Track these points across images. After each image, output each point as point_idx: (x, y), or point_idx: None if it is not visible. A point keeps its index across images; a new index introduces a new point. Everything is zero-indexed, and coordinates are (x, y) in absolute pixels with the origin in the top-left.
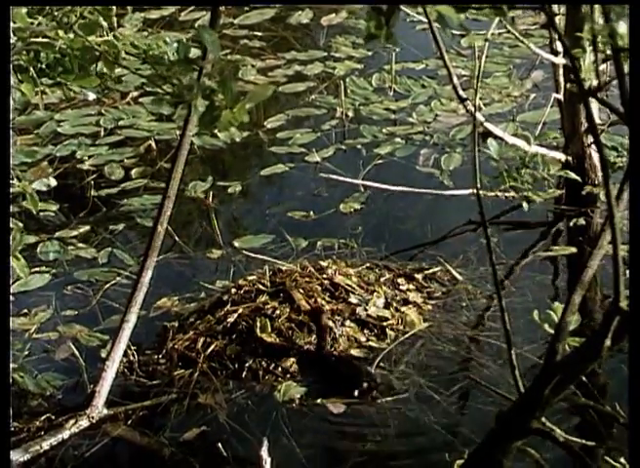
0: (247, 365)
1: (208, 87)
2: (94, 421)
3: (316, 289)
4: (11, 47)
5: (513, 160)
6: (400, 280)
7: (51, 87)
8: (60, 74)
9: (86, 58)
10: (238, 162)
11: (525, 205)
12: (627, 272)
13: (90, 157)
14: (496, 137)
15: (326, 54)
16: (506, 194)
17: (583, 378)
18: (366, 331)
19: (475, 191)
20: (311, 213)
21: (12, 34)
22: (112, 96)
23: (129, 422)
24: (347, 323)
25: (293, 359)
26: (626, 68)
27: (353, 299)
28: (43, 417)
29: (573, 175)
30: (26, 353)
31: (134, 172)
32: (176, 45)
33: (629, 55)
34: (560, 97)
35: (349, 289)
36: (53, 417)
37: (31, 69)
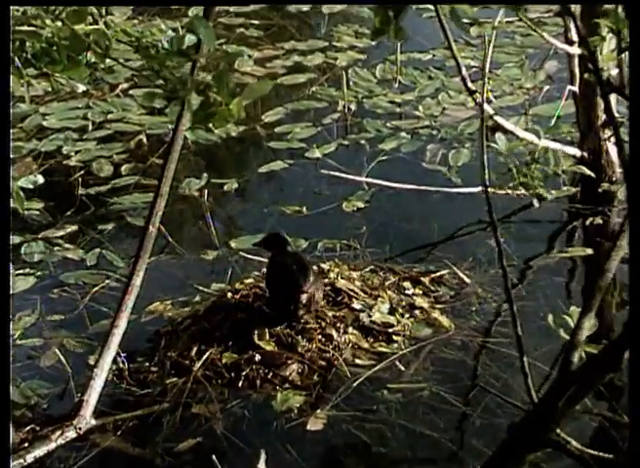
0: (244, 373)
1: (202, 82)
2: (81, 432)
3: None
4: None
5: (524, 155)
6: (406, 284)
7: (36, 78)
8: (46, 64)
9: (75, 48)
10: (234, 158)
11: (535, 202)
12: None
13: (77, 152)
14: (506, 132)
15: (327, 43)
16: (517, 192)
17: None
18: (370, 339)
19: (484, 189)
20: (304, 208)
21: None
22: (101, 87)
23: (119, 433)
24: (350, 330)
25: (292, 367)
26: None
27: (356, 305)
28: (27, 428)
29: (587, 171)
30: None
31: (124, 168)
32: (170, 32)
33: (629, 54)
34: (575, 89)
35: (352, 294)
36: (38, 428)
37: (17, 59)
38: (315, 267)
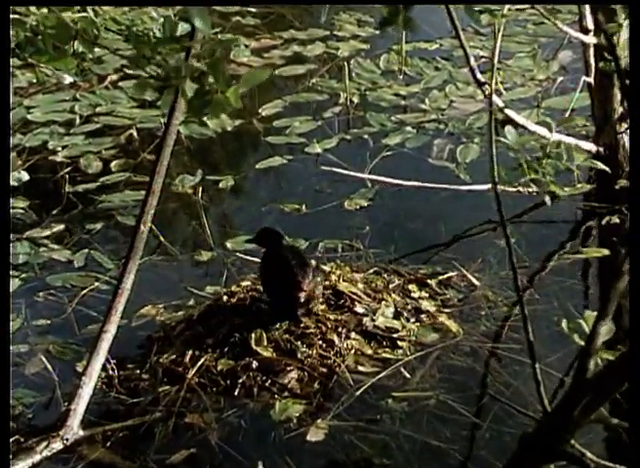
0: (240, 380)
1: (197, 69)
2: (68, 444)
3: None
4: None
5: (536, 150)
6: (411, 286)
7: (20, 68)
8: (31, 54)
9: (61, 37)
10: (230, 153)
11: (547, 199)
12: None
13: (64, 148)
14: (517, 126)
15: (328, 32)
16: (529, 189)
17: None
18: (373, 344)
19: (493, 186)
20: (304, 207)
21: None
22: (89, 79)
23: (108, 444)
24: (353, 335)
25: (291, 374)
26: None
27: (359, 309)
28: (11, 439)
29: (601, 166)
30: None
31: (113, 164)
32: (162, 20)
33: (629, 54)
34: (591, 80)
35: (355, 297)
36: (22, 439)
37: None
38: (313, 261)
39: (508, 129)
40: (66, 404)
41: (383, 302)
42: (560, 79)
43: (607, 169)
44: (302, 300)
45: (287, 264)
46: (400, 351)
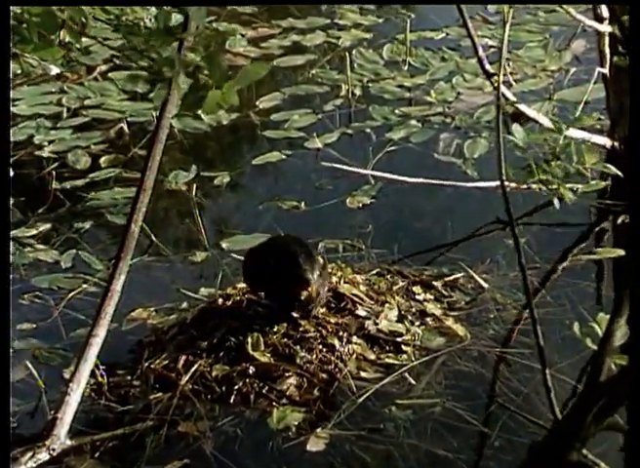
0: (236, 387)
1: (191, 62)
2: (55, 454)
3: None
4: None
5: (546, 147)
6: (416, 288)
7: None
8: (16, 44)
9: (47, 26)
10: (226, 149)
11: (556, 202)
12: None
13: (50, 142)
14: (528, 119)
15: (329, 21)
16: (540, 187)
17: None
18: (376, 349)
19: (501, 183)
20: (303, 204)
21: None
22: (77, 70)
23: (96, 455)
24: (355, 339)
25: (290, 380)
26: None
27: (361, 312)
28: None
29: (613, 170)
30: None
31: (103, 160)
32: (154, 9)
33: (629, 54)
34: (605, 71)
35: (356, 299)
36: None
37: None
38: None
39: (515, 127)
40: (53, 412)
41: (387, 305)
42: (573, 70)
43: (619, 173)
44: (304, 299)
45: (294, 259)
46: (404, 356)
